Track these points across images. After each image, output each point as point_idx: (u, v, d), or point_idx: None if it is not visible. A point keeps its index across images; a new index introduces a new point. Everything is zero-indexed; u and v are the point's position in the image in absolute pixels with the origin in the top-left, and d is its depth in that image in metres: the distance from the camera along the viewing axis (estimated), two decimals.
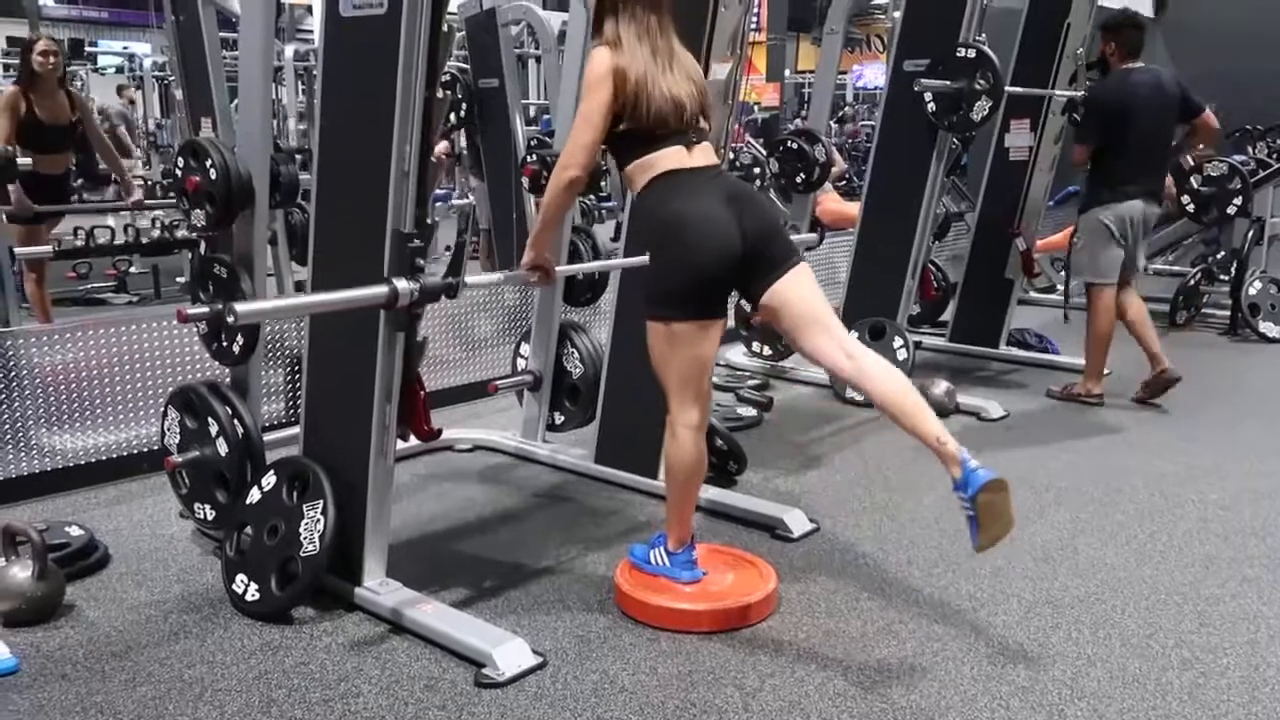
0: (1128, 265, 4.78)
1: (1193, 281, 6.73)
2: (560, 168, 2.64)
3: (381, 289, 2.47)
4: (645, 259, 3.14)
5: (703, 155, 2.64)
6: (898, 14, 5.08)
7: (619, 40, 2.58)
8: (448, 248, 9.65)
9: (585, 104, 2.58)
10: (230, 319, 2.28)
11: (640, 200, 2.66)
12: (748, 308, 5.21)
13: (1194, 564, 3.12)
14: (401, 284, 2.48)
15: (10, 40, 20.96)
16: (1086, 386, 4.90)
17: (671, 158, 2.59)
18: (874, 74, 20.25)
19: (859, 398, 4.87)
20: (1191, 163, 5.99)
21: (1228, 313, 6.59)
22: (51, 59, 5.24)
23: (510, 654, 2.47)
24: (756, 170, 5.83)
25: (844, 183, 9.53)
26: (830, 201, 7.13)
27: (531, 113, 8.76)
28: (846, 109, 17.46)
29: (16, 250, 5.10)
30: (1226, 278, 6.68)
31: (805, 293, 2.62)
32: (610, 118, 2.57)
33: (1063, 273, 7.07)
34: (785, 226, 2.75)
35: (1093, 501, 3.63)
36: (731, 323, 5.40)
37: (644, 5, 2.60)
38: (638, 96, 2.54)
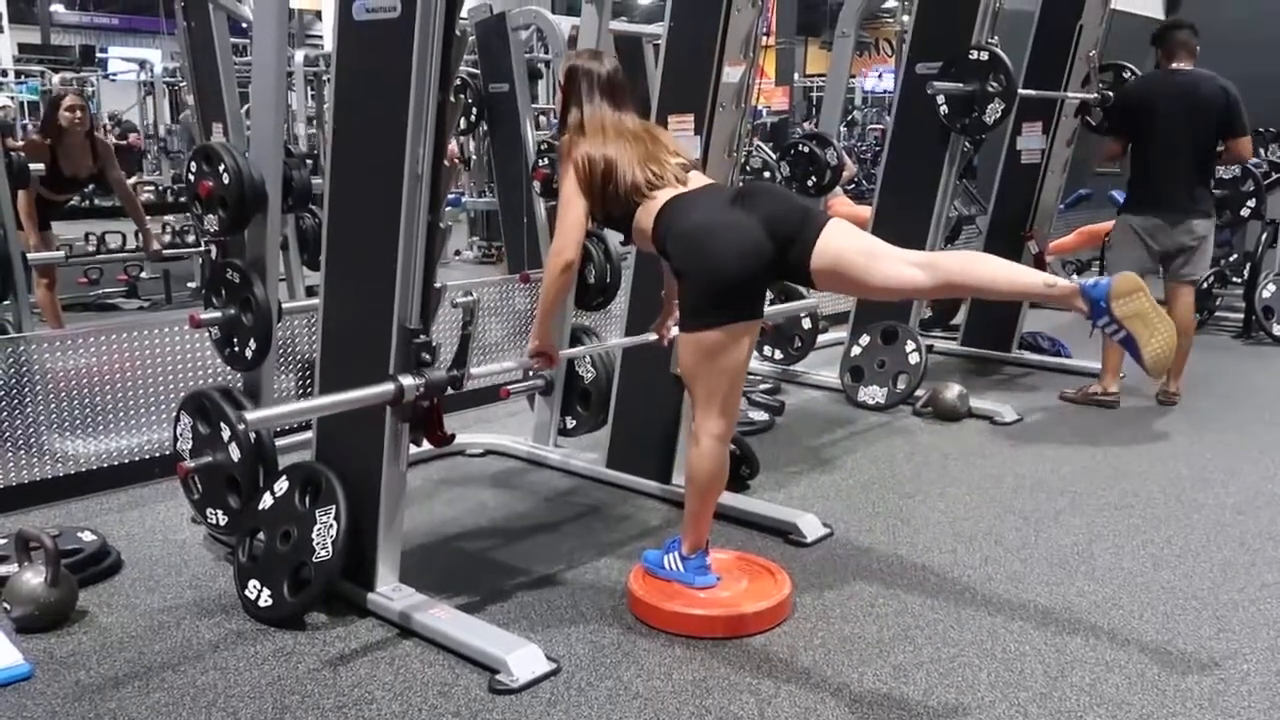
0: (1175, 271, 4.79)
1: (1206, 284, 6.69)
2: (555, 253, 2.68)
3: (388, 387, 2.52)
4: (650, 336, 3.24)
5: (696, 180, 2.71)
6: (907, 18, 5.06)
7: (583, 129, 2.70)
8: (457, 252, 9.68)
9: (562, 189, 2.69)
10: (241, 427, 2.31)
11: (658, 238, 2.64)
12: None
13: (1211, 569, 3.10)
14: (407, 380, 2.53)
15: (22, 47, 21.10)
16: (1103, 384, 4.88)
17: (666, 193, 2.64)
18: (871, 80, 20.21)
19: (870, 401, 4.86)
20: None
21: (1241, 315, 6.56)
22: (79, 114, 5.30)
23: (524, 660, 2.45)
24: (767, 174, 5.82)
25: (853, 186, 9.52)
26: (841, 205, 7.11)
27: (541, 119, 8.77)
28: (855, 113, 17.44)
29: (29, 256, 5.11)
30: (1240, 280, 6.66)
31: (848, 238, 2.55)
32: (589, 195, 2.66)
33: (1074, 276, 7.06)
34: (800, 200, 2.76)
35: (1108, 506, 3.61)
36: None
37: (607, 100, 2.73)
38: (606, 181, 2.64)
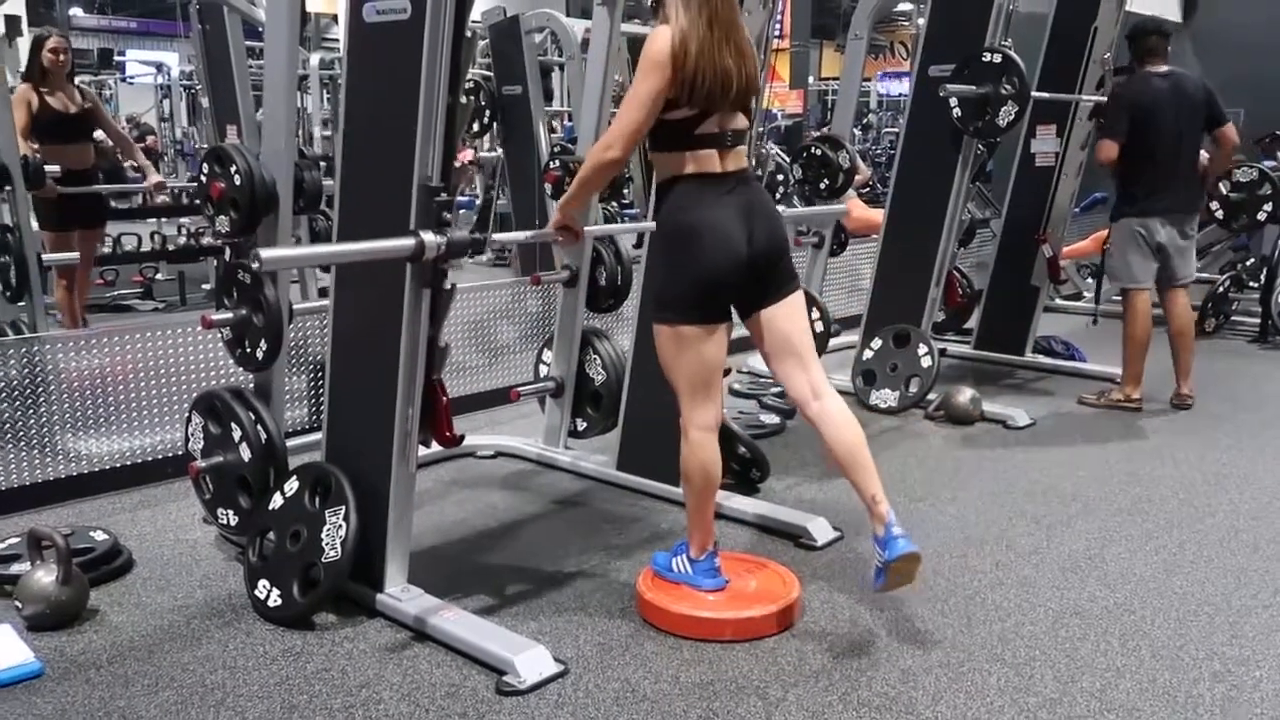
0: (1169, 274, 4.78)
1: (1222, 288, 6.66)
2: (603, 146, 2.62)
3: (408, 241, 2.46)
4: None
5: (735, 160, 2.64)
6: (922, 20, 5.04)
7: (678, 14, 2.50)
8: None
9: (638, 86, 2.51)
10: (255, 265, 2.28)
11: (662, 192, 2.65)
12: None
13: (1225, 575, 3.07)
14: (428, 236, 2.47)
15: None
16: (1125, 391, 4.86)
17: (704, 160, 2.59)
18: (885, 84, 20.17)
19: (883, 405, 4.84)
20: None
21: (1258, 320, 6.51)
22: (61, 56, 5.30)
23: (532, 661, 2.45)
24: (780, 177, 5.81)
25: (867, 189, 9.50)
26: (855, 208, 7.10)
27: (557, 120, 8.79)
28: (870, 117, 17.41)
29: (45, 257, 5.15)
30: (1256, 285, 6.61)
31: (792, 323, 2.70)
32: (661, 103, 2.51)
33: (1090, 279, 7.03)
34: (790, 253, 2.76)
35: (1120, 511, 3.59)
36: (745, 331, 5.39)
37: None
38: (694, 72, 2.47)
